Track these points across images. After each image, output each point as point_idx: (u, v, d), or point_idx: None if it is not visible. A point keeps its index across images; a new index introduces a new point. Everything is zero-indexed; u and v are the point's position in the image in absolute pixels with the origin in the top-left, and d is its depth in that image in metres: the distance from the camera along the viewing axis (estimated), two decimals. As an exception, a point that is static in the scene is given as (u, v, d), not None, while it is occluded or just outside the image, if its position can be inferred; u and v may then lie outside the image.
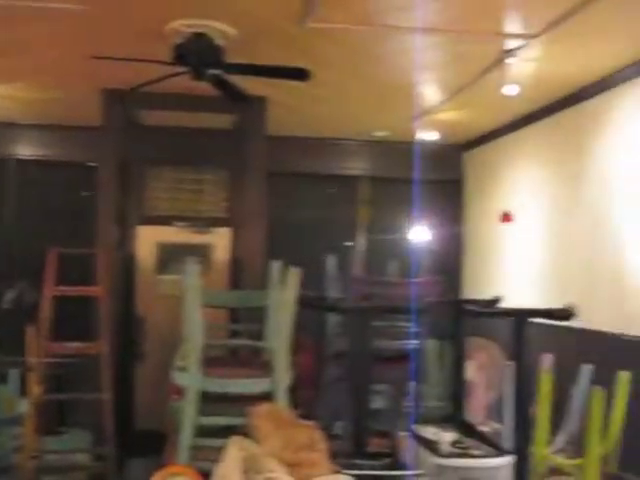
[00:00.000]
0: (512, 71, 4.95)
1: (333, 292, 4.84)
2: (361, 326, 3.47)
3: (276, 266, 3.86)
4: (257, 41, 4.64)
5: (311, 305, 4.19)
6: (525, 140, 6.63)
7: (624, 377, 3.93)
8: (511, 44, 4.62)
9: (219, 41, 4.44)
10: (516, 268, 6.68)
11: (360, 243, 7.69)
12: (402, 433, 3.95)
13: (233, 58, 4.55)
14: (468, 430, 3.89)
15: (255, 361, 4.10)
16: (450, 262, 7.76)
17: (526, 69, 5.02)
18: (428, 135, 6.77)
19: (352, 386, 3.67)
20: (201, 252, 6.68)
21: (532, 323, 4.74)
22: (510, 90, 5.08)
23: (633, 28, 4.29)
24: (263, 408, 3.35)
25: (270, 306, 3.85)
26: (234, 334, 5.50)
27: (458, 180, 8.00)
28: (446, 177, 7.89)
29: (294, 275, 3.67)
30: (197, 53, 4.34)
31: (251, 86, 5.01)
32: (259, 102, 5.95)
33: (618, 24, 4.23)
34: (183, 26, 4.30)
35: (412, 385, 4.21)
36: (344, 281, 4.86)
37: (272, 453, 3.11)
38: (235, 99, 4.95)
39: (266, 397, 3.72)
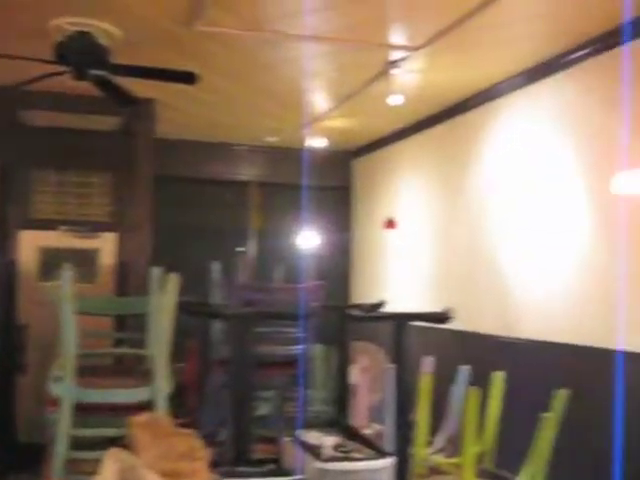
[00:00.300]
0: (397, 81, 5.09)
1: (217, 298, 4.80)
2: (243, 332, 3.46)
3: (156, 272, 3.78)
4: (144, 42, 4.55)
5: (194, 311, 4.14)
6: (410, 149, 6.81)
7: (499, 377, 4.10)
8: (395, 55, 4.74)
9: (103, 41, 4.31)
10: (402, 273, 6.85)
11: (251, 248, 7.68)
12: (287, 439, 3.95)
13: (119, 59, 4.44)
14: (351, 433, 3.94)
15: (136, 369, 4.00)
16: (339, 267, 7.88)
17: (410, 80, 5.17)
18: (317, 142, 6.85)
19: (234, 393, 3.64)
20: (86, 257, 6.46)
21: (417, 327, 4.87)
22: (395, 100, 5.22)
23: (512, 43, 4.50)
24: (141, 418, 3.26)
25: (150, 313, 3.77)
26: (119, 342, 5.35)
27: (347, 187, 8.13)
28: (335, 184, 8.01)
29: (173, 281, 3.61)
30: (79, 52, 4.21)
31: (139, 88, 4.91)
32: (147, 104, 5.84)
33: (498, 39, 4.41)
34: (67, 24, 4.16)
35: (297, 390, 4.23)
36: (228, 287, 4.82)
37: (150, 464, 3.03)
38: (120, 101, 4.82)
39: (146, 406, 3.64)
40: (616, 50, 4.07)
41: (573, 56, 4.55)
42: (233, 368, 3.64)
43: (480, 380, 4.22)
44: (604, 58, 4.28)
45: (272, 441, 4.31)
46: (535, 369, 4.71)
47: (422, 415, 3.89)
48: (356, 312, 4.08)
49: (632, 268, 3.95)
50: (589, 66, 4.44)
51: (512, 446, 3.90)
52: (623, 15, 3.51)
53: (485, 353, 5.21)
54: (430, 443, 4.46)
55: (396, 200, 7.01)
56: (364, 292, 7.55)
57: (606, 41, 4.19)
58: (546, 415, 3.46)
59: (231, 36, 4.41)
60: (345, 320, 3.91)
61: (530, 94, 5.03)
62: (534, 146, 4.99)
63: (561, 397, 3.51)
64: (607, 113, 4.23)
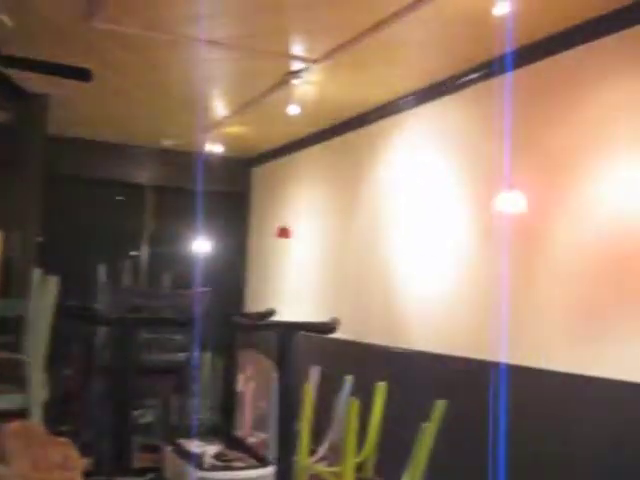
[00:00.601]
0: (296, 92, 5.15)
1: (102, 303, 4.68)
2: (126, 338, 3.39)
3: (37, 273, 3.64)
4: (38, 35, 4.39)
5: (77, 316, 4.02)
6: (308, 160, 6.87)
7: (381, 387, 4.19)
8: (296, 66, 4.79)
9: (-6, 30, 4.14)
10: (295, 283, 6.89)
11: (144, 253, 7.53)
12: (169, 447, 3.89)
13: (10, 50, 4.27)
14: (234, 442, 3.93)
15: (10, 375, 3.83)
16: (234, 275, 7.85)
17: (309, 92, 5.23)
18: (215, 147, 6.81)
19: (115, 400, 3.56)
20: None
21: (306, 336, 4.90)
22: (294, 110, 5.27)
23: (406, 63, 4.63)
24: (13, 426, 3.14)
25: (26, 316, 3.63)
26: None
27: (245, 194, 8.11)
28: (233, 190, 7.99)
29: (52, 283, 3.49)
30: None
31: (32, 82, 4.73)
32: (39, 99, 5.63)
33: (393, 59, 4.53)
34: (-47, 10, 3.97)
35: (182, 398, 4.18)
36: (113, 291, 4.71)
37: (21, 474, 2.92)
38: (8, 94, 4.64)
39: (20, 414, 3.49)
40: (498, 78, 4.28)
41: (459, 81, 4.75)
42: (115, 375, 3.55)
43: (366, 390, 4.31)
44: (487, 85, 4.48)
45: (155, 450, 4.23)
46: (419, 379, 4.85)
47: (305, 424, 3.92)
48: (243, 320, 4.07)
49: (512, 283, 4.14)
50: (474, 92, 4.64)
51: (394, 455, 3.98)
52: (504, 46, 3.70)
53: (372, 363, 5.32)
54: (314, 452, 4.50)
55: (292, 209, 7.06)
56: (258, 300, 7.54)
57: (489, 69, 4.39)
58: (425, 425, 3.56)
59: (129, 36, 4.32)
60: (232, 328, 3.89)
61: (420, 115, 5.19)
62: (423, 165, 5.15)
63: (440, 407, 3.62)
64: (489, 137, 4.42)
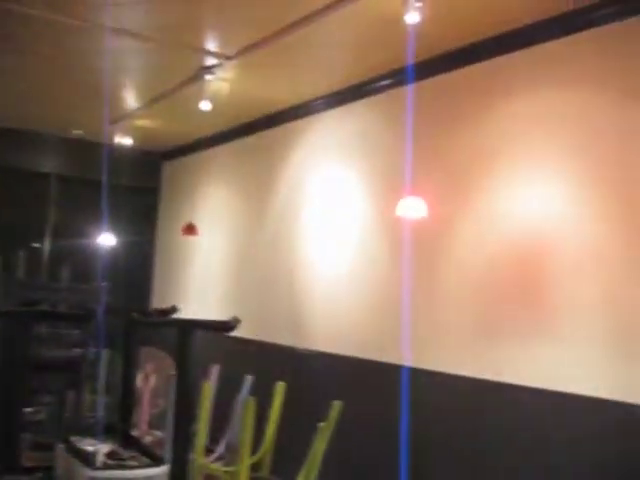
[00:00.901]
0: (210, 88, 5.08)
1: (-5, 296, 4.49)
2: (18, 332, 3.26)
3: None
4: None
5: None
6: (220, 157, 6.82)
7: (280, 387, 4.21)
8: (210, 61, 4.74)
9: None
10: (202, 281, 6.82)
11: (47, 245, 7.27)
12: (61, 445, 3.78)
13: None
14: (129, 441, 3.85)
15: None
16: (141, 270, 7.70)
17: (222, 88, 5.19)
18: (125, 140, 6.65)
19: (3, 397, 3.42)
20: None
21: (212, 335, 4.86)
22: (206, 106, 5.21)
23: (326, 63, 4.65)
24: None
25: None
26: None
27: (155, 189, 7.97)
28: (144, 184, 7.83)
29: None
30: None
31: None
32: None
33: (312, 57, 4.55)
34: None
35: (77, 395, 4.06)
36: (7, 284, 4.53)
37: None
38: None
39: None
40: (407, 86, 4.37)
41: (371, 87, 4.83)
42: (2, 371, 3.42)
43: (268, 389, 4.31)
44: (397, 92, 4.58)
45: (47, 448, 4.10)
46: (321, 380, 4.90)
47: (202, 423, 3.89)
48: (141, 316, 4.00)
49: (414, 286, 4.24)
50: (385, 98, 4.73)
51: (292, 454, 4.00)
52: (413, 55, 3.79)
53: (275, 363, 5.33)
54: (212, 451, 4.47)
55: (201, 207, 6.98)
56: (165, 297, 7.42)
57: (399, 77, 4.48)
58: (321, 424, 3.59)
59: (39, 19, 4.16)
60: (131, 324, 3.82)
61: (332, 117, 5.25)
62: (332, 168, 5.21)
63: (336, 408, 3.66)
64: (397, 144, 4.52)
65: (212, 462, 4.27)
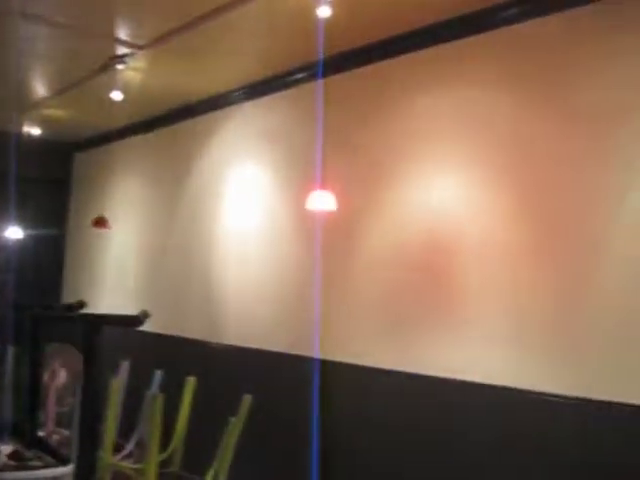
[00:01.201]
0: (121, 78, 4.97)
1: None
2: None
3: None
4: None
5: None
6: (132, 149, 6.67)
7: (191, 382, 4.17)
8: (120, 50, 4.63)
9: None
10: (115, 275, 6.68)
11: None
12: (-40, 447, 3.62)
13: None
14: (34, 440, 3.73)
15: None
16: (52, 265, 7.47)
17: (134, 78, 5.09)
18: (34, 129, 6.43)
19: None
20: None
21: (123, 330, 4.75)
22: (117, 96, 5.09)
23: (238, 55, 4.61)
24: None
25: None
26: None
27: (65, 180, 7.73)
28: (54, 176, 7.59)
29: None
30: None
31: None
32: None
33: (223, 51, 4.51)
34: None
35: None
36: None
37: None
38: None
39: None
40: (319, 81, 4.39)
41: (286, 79, 4.84)
42: None
43: (180, 384, 4.26)
44: (310, 86, 4.60)
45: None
46: (233, 374, 4.88)
47: (110, 420, 3.81)
48: (46, 312, 3.88)
49: (325, 279, 4.27)
50: (298, 92, 4.74)
51: (203, 449, 3.97)
52: (324, 49, 3.81)
53: (187, 357, 5.28)
54: (122, 448, 4.38)
55: (114, 199, 6.83)
56: (76, 292, 7.22)
57: (312, 71, 4.50)
58: (231, 419, 3.57)
59: None
60: (35, 320, 3.69)
61: (247, 110, 5.23)
62: (246, 161, 5.18)
63: (246, 402, 3.65)
64: (309, 138, 4.53)
65: (121, 459, 4.19)
